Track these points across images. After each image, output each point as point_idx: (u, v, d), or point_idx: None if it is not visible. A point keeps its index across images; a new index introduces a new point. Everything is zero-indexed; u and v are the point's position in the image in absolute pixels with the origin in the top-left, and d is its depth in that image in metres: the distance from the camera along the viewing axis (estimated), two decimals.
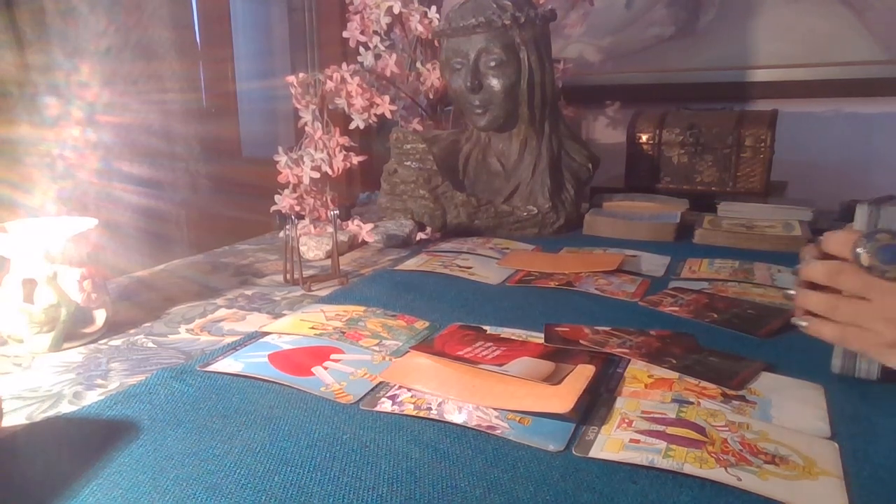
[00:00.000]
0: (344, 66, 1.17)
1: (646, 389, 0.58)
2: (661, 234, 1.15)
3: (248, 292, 0.91)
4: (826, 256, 0.54)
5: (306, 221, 1.14)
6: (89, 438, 0.52)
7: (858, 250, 0.49)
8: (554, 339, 0.69)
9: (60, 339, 0.70)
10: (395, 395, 0.58)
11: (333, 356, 0.67)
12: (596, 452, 0.49)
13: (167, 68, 1.26)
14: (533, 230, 1.21)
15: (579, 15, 1.71)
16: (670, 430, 0.51)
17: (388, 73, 1.30)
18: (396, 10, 1.28)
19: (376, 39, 1.31)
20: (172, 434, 0.52)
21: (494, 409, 0.55)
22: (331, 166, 1.12)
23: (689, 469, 0.46)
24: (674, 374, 0.61)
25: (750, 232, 1.12)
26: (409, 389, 0.59)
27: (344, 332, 0.73)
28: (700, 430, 0.51)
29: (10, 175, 1.01)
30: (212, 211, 1.36)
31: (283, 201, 1.14)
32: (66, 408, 0.57)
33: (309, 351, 0.68)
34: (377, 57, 1.31)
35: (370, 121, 1.19)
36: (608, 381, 0.60)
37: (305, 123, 1.17)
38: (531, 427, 0.52)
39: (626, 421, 0.53)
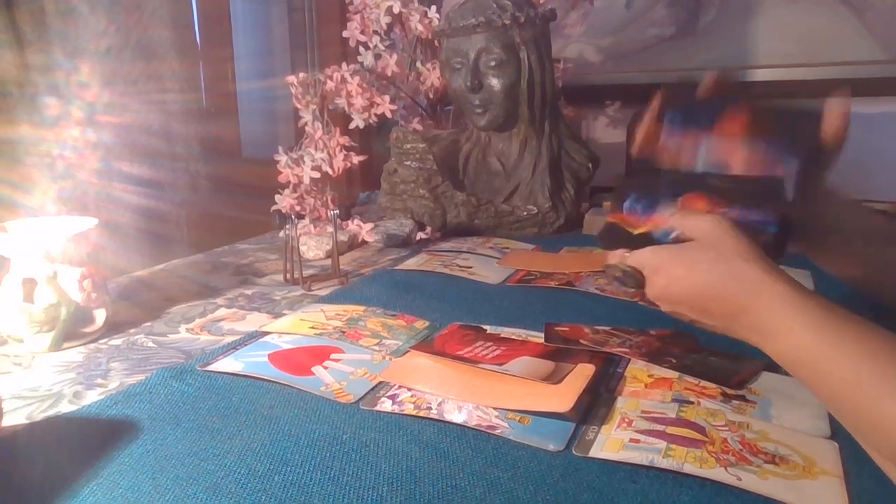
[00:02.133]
0: (344, 66, 1.17)
1: (646, 389, 0.58)
2: None
3: (248, 292, 0.91)
4: None
5: (306, 221, 1.14)
6: (89, 438, 0.52)
7: (606, 272, 0.58)
8: (554, 339, 0.69)
9: (60, 339, 0.70)
10: (395, 394, 0.58)
11: (333, 356, 0.67)
12: (596, 452, 0.49)
13: (167, 68, 1.26)
14: (533, 230, 1.21)
15: (579, 15, 1.70)
16: (670, 429, 0.51)
17: (388, 73, 1.30)
18: (396, 10, 1.28)
19: (376, 39, 1.31)
20: (172, 434, 0.52)
21: (494, 408, 0.55)
22: (331, 166, 1.12)
23: (689, 469, 0.46)
24: (674, 374, 0.61)
25: None
26: (409, 389, 0.59)
27: (344, 332, 0.73)
28: (700, 429, 0.51)
29: (10, 175, 1.01)
30: (212, 211, 1.36)
31: (283, 201, 1.14)
32: (66, 408, 0.57)
33: (309, 351, 0.68)
34: (377, 57, 1.31)
35: (370, 121, 1.19)
36: (608, 380, 0.60)
37: (305, 123, 1.16)
38: (531, 427, 0.52)
39: (626, 421, 0.53)
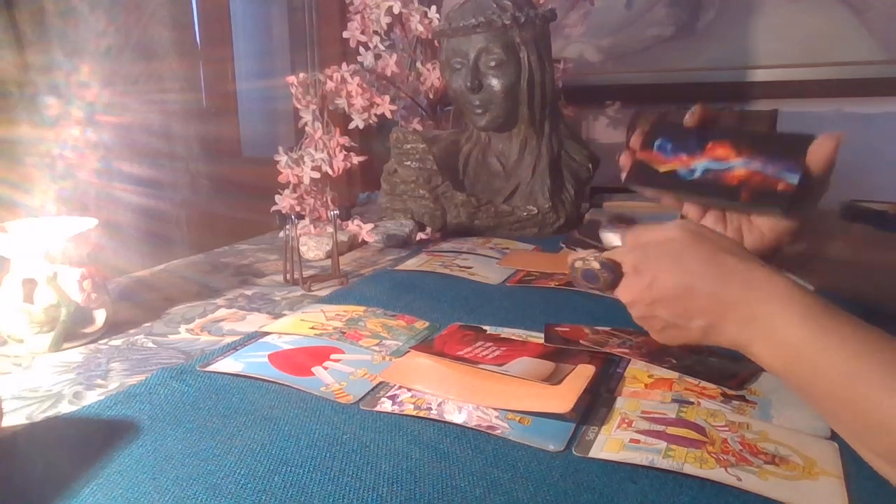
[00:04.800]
0: (344, 66, 1.17)
1: (646, 389, 0.58)
2: None
3: (248, 292, 0.91)
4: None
5: (306, 221, 1.14)
6: (89, 438, 0.52)
7: (575, 265, 0.56)
8: (554, 339, 0.69)
9: (60, 339, 0.70)
10: (395, 395, 0.58)
11: (333, 356, 0.67)
12: (596, 452, 0.49)
13: (167, 68, 1.26)
14: (533, 230, 1.21)
15: (579, 15, 1.71)
16: (670, 430, 0.51)
17: (388, 73, 1.30)
18: (396, 10, 1.28)
19: (376, 39, 1.31)
20: (172, 434, 0.52)
21: (494, 409, 0.55)
22: (331, 166, 1.12)
23: (689, 469, 0.46)
24: (674, 374, 0.61)
25: None
26: (409, 389, 0.59)
27: (344, 332, 0.73)
28: (700, 430, 0.51)
29: (10, 175, 1.01)
30: (212, 211, 1.36)
31: (283, 201, 1.14)
32: (66, 408, 0.57)
33: (309, 351, 0.68)
34: (377, 57, 1.31)
35: (370, 121, 1.19)
36: (608, 381, 0.60)
37: (305, 123, 1.16)
38: (531, 427, 0.52)
39: (626, 421, 0.53)
